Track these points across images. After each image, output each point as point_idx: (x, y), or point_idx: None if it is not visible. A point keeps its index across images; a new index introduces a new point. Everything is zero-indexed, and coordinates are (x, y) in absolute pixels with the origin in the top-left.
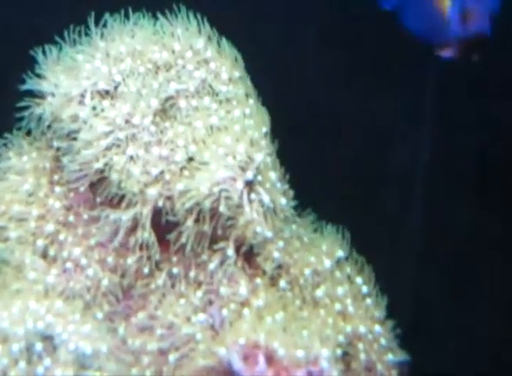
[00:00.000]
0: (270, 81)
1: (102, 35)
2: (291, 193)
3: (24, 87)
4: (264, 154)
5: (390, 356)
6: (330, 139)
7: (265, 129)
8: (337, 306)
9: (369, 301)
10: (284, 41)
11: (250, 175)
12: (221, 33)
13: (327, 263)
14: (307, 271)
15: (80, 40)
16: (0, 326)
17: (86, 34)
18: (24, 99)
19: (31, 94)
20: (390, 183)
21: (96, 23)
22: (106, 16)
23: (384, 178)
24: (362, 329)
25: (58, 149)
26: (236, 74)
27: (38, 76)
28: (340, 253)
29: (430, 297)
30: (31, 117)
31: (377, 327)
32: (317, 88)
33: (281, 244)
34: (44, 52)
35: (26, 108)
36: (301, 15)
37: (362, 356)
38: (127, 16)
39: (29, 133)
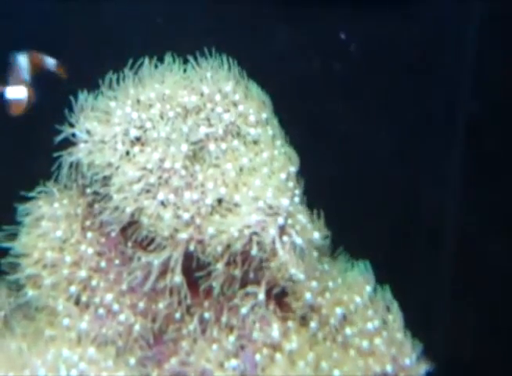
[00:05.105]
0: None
1: (133, 81)
2: (324, 232)
3: (58, 136)
4: (293, 196)
5: None
6: (360, 181)
7: (293, 169)
8: (366, 344)
9: (399, 337)
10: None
11: (281, 219)
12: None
13: (358, 302)
14: (338, 310)
15: (114, 85)
16: (35, 373)
17: (120, 79)
18: (57, 146)
19: (64, 140)
20: (421, 220)
21: (130, 68)
22: (139, 61)
23: (414, 216)
24: (389, 368)
25: (90, 194)
26: (264, 115)
27: (72, 123)
28: (371, 291)
29: (464, 334)
30: (63, 164)
31: (407, 361)
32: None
33: (314, 284)
34: (79, 99)
35: (58, 156)
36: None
37: None
38: (159, 60)
39: (58, 180)
